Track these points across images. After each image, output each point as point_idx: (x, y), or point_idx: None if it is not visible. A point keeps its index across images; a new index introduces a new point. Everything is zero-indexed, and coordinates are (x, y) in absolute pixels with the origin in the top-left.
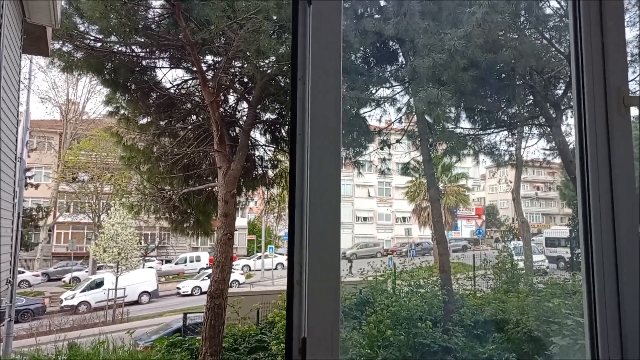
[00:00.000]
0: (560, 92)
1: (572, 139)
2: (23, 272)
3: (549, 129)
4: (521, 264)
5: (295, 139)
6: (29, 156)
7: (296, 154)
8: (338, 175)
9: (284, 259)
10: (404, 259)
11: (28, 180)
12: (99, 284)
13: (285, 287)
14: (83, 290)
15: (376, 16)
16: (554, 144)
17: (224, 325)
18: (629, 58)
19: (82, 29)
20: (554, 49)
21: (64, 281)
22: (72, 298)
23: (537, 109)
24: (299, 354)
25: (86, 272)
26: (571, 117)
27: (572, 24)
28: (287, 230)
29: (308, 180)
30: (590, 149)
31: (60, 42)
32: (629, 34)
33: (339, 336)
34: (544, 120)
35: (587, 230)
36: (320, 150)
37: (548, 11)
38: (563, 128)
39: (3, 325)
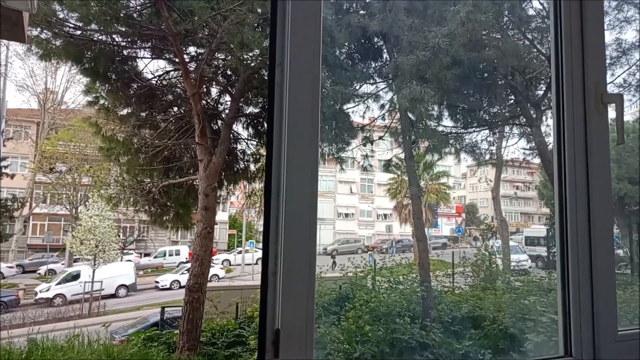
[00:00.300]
0: (540, 92)
1: (551, 139)
2: None
3: (529, 129)
4: (499, 262)
5: (273, 125)
6: (4, 145)
7: (273, 141)
8: (315, 160)
9: None
10: (385, 255)
11: (3, 170)
12: (75, 277)
13: None
14: (59, 283)
15: (361, 12)
16: (533, 144)
17: (202, 320)
18: (607, 61)
19: (61, 15)
20: (535, 50)
21: (39, 273)
22: (47, 290)
23: (518, 108)
24: (271, 345)
25: (62, 264)
26: (551, 117)
27: (553, 21)
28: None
29: (285, 167)
30: (568, 147)
31: (39, 29)
32: (608, 37)
33: (314, 329)
34: (524, 120)
35: (563, 228)
36: (298, 137)
37: (531, 12)
38: (543, 128)
39: None
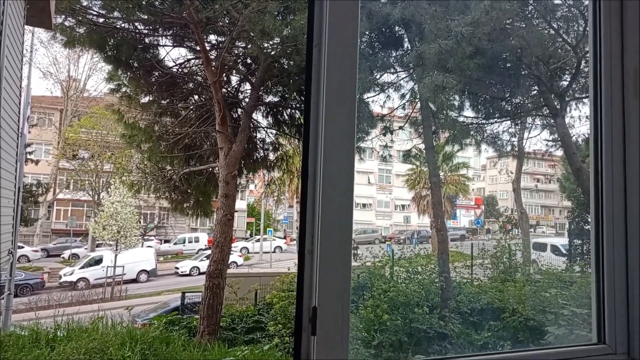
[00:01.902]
0: (565, 83)
1: (575, 131)
2: (22, 247)
3: (552, 120)
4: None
5: (310, 106)
6: (29, 132)
7: (310, 122)
8: (352, 141)
9: (282, 242)
10: (402, 246)
11: (28, 156)
12: (98, 261)
13: (283, 270)
14: (82, 267)
15: (383, 0)
16: (556, 136)
17: (222, 305)
18: None
19: (84, 3)
20: (561, 39)
21: (63, 257)
22: (71, 274)
23: (542, 99)
24: (309, 323)
25: (85, 249)
26: (575, 109)
27: (591, 5)
28: (286, 215)
29: (322, 147)
30: (605, 134)
31: (63, 16)
32: None
33: (349, 306)
34: (547, 111)
35: (599, 218)
36: (335, 118)
37: (557, 1)
38: (567, 120)
39: (2, 298)
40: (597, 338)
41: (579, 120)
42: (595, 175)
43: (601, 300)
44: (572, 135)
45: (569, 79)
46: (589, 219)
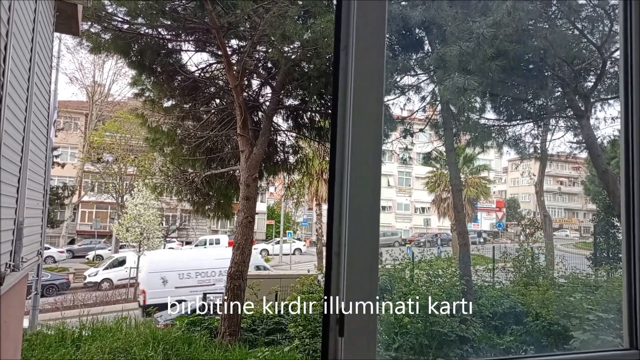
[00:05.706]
0: (590, 84)
1: (600, 133)
2: (49, 248)
3: (576, 122)
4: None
5: (337, 109)
6: (56, 135)
7: (337, 124)
8: (379, 142)
9: (301, 244)
10: (423, 248)
11: (55, 159)
12: (121, 262)
13: (303, 272)
14: (106, 268)
15: (403, 3)
16: (581, 138)
17: (243, 306)
18: None
19: (110, 10)
20: (585, 40)
21: (87, 258)
22: (95, 275)
23: (566, 101)
24: (336, 324)
25: (109, 250)
26: (600, 110)
27: (622, 3)
28: (305, 217)
29: (349, 149)
30: (637, 134)
31: (89, 23)
32: None
33: (377, 308)
34: (572, 112)
35: (630, 221)
36: (363, 120)
37: (581, 1)
38: (592, 121)
39: (29, 298)
40: (629, 343)
41: (604, 121)
42: (627, 177)
43: (633, 305)
44: (597, 137)
45: (594, 80)
46: (615, 222)
